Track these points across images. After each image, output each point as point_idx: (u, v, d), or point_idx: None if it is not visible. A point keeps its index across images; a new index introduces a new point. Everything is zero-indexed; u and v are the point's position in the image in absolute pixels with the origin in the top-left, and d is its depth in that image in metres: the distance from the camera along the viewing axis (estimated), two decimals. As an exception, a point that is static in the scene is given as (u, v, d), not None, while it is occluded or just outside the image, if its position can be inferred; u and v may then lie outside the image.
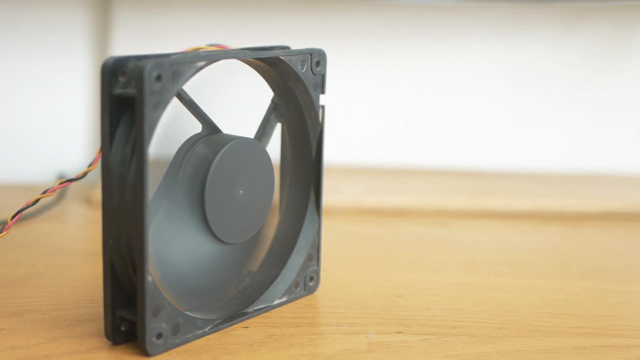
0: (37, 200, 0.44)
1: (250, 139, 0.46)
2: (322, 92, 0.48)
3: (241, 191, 0.45)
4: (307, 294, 0.49)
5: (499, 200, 0.71)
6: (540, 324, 0.47)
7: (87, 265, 0.56)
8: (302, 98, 0.47)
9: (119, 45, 0.79)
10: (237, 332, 0.44)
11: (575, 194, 0.74)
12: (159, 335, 0.41)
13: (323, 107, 0.48)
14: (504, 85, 0.83)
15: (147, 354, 0.41)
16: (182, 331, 0.42)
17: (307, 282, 0.49)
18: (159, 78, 0.39)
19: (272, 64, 0.46)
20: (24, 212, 0.45)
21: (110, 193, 0.40)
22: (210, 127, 0.45)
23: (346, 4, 0.80)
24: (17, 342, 0.42)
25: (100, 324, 0.43)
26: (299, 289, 0.49)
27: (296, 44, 0.49)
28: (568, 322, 0.47)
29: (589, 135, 0.84)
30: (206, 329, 0.44)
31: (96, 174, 0.79)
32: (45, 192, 0.44)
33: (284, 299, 0.48)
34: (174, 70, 0.39)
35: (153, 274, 0.41)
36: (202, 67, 0.41)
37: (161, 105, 0.39)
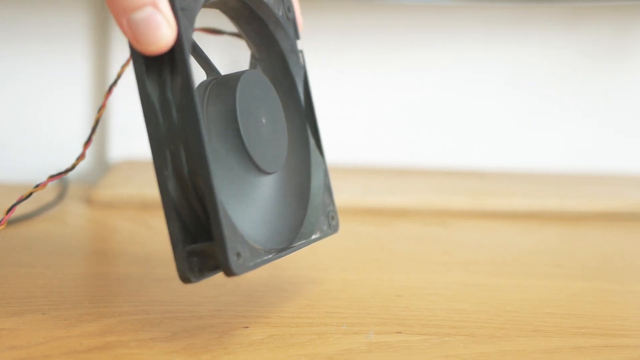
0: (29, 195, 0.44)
1: (252, 70, 0.46)
2: (298, 37, 0.49)
3: (264, 120, 0.45)
4: (332, 233, 0.50)
5: (499, 200, 0.71)
6: (540, 324, 0.47)
7: (87, 265, 0.56)
8: (283, 42, 0.48)
9: (119, 45, 0.79)
10: (237, 332, 0.44)
11: (575, 194, 0.74)
12: (238, 255, 0.40)
13: (302, 51, 0.49)
14: (504, 85, 0.83)
15: (232, 273, 0.39)
16: (254, 255, 0.41)
17: (330, 221, 0.50)
18: None
19: (253, 4, 0.46)
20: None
21: (156, 123, 0.39)
22: (214, 72, 0.45)
23: (345, 3, 0.80)
24: (17, 342, 0.42)
25: (100, 324, 0.43)
26: (325, 227, 0.49)
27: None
28: (568, 322, 0.47)
29: (589, 135, 0.84)
30: (270, 256, 0.43)
31: (96, 174, 0.79)
32: (37, 186, 0.44)
33: (317, 235, 0.48)
34: None
35: None
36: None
37: (190, 25, 0.40)
